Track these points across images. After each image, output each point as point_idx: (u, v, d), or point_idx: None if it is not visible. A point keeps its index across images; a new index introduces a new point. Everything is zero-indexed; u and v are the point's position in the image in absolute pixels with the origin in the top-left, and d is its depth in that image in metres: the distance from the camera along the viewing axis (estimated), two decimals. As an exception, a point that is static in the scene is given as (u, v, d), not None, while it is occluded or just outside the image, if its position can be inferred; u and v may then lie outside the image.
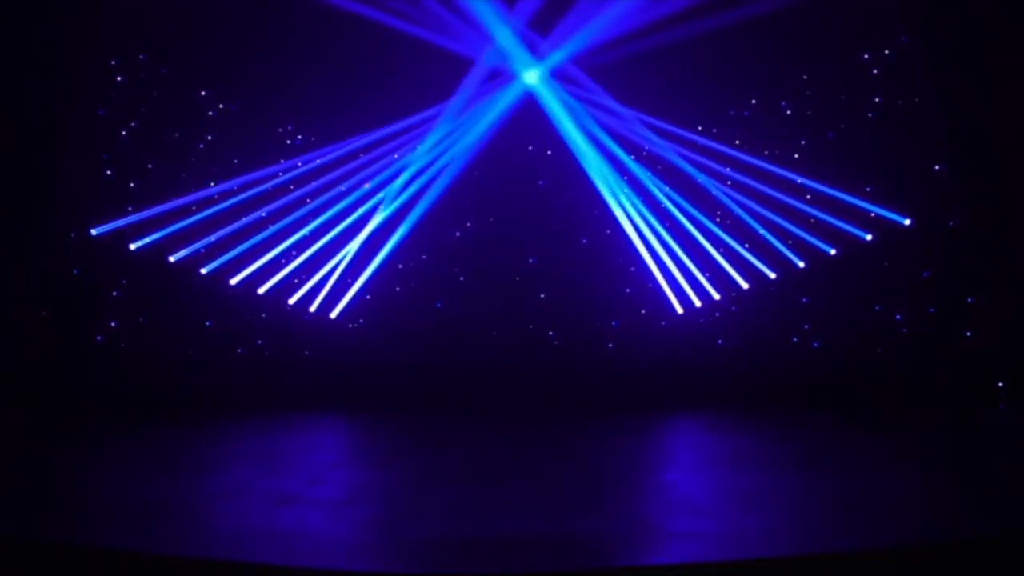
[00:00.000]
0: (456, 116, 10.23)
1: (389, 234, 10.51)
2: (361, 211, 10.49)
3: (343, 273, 10.54)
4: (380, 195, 10.40)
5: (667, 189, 10.55)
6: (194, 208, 10.37)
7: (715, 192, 10.46)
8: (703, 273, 10.51)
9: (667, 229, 10.53)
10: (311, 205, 10.62)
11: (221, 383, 10.31)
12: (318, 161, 10.69)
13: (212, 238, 10.40)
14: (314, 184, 10.66)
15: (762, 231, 10.35)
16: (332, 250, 10.56)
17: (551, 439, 8.21)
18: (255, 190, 10.50)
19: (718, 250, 10.52)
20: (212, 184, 10.48)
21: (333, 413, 10.04)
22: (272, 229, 10.51)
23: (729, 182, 10.55)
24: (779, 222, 10.40)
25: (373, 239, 10.51)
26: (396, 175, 10.43)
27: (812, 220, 10.35)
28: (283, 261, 10.58)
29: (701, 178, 10.45)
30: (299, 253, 10.61)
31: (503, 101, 10.22)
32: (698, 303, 10.55)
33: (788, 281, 10.43)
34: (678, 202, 10.57)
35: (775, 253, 10.43)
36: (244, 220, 10.49)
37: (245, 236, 10.50)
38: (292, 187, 10.74)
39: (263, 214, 10.59)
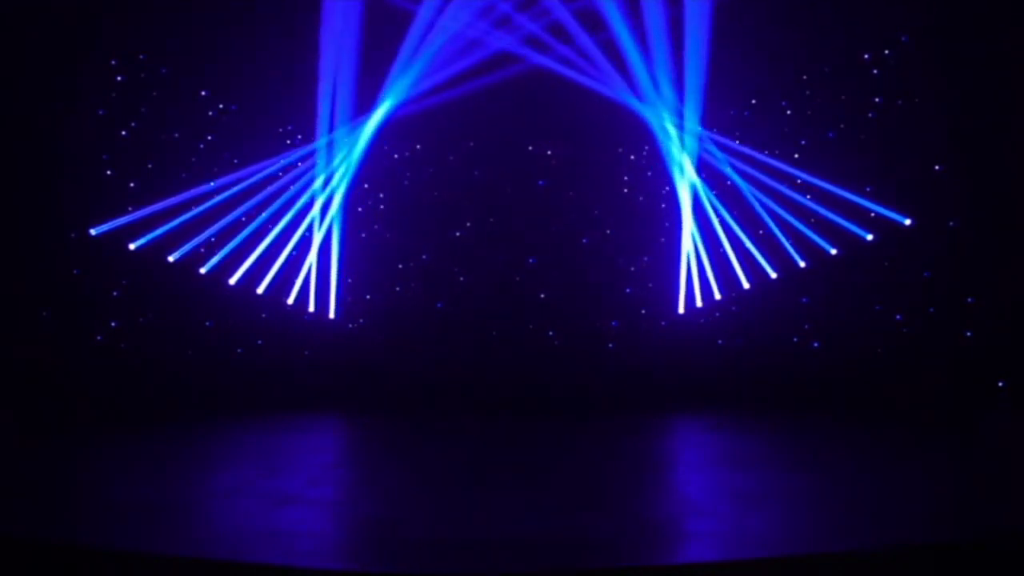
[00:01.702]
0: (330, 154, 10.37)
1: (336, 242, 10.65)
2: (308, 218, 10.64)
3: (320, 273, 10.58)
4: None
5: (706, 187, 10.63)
6: (193, 207, 10.37)
7: (745, 192, 10.45)
8: (713, 269, 10.52)
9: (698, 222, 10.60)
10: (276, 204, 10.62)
11: (221, 383, 10.30)
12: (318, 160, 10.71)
13: (211, 236, 10.39)
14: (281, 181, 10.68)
15: (774, 227, 10.34)
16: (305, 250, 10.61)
17: (551, 439, 8.21)
18: (241, 186, 10.50)
19: (732, 245, 10.50)
20: (212, 184, 10.48)
21: (333, 413, 10.04)
22: (254, 224, 10.49)
23: (729, 181, 10.55)
24: (782, 220, 10.38)
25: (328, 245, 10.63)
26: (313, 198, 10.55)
27: (812, 219, 10.34)
28: (276, 259, 10.60)
29: (730, 172, 10.46)
30: (296, 254, 10.61)
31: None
32: (699, 303, 10.55)
33: (789, 281, 10.42)
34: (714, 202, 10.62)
35: (777, 251, 10.42)
36: (238, 218, 10.48)
37: (246, 237, 10.51)
38: (292, 187, 10.75)
39: (264, 215, 10.59)
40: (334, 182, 10.51)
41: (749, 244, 10.47)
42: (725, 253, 10.53)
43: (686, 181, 10.47)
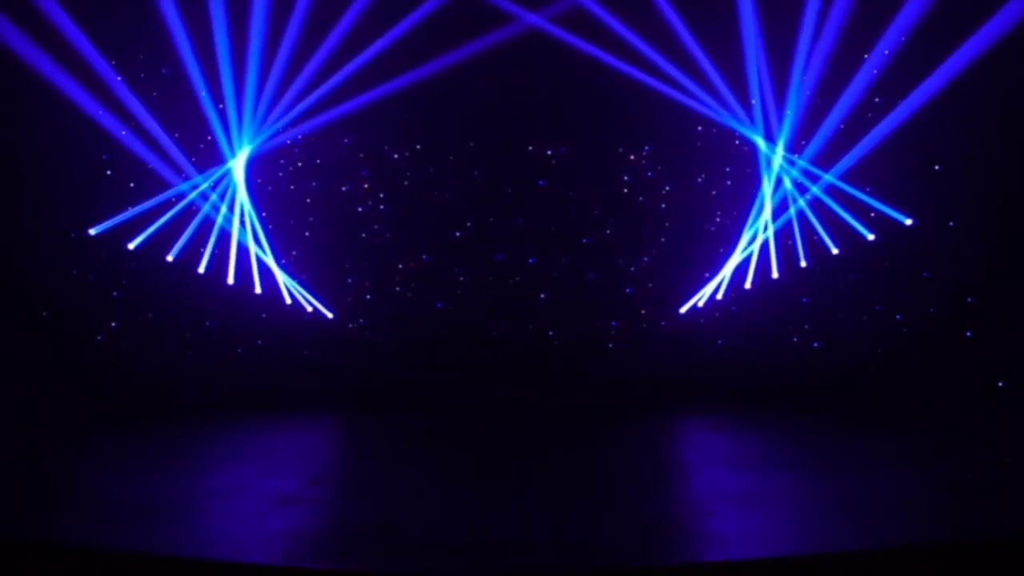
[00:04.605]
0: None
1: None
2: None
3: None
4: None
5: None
6: (193, 208, 10.37)
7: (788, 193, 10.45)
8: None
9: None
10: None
11: (221, 383, 10.30)
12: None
13: (205, 235, 10.41)
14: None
15: (796, 226, 10.33)
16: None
17: (551, 439, 8.21)
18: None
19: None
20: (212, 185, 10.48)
21: (333, 413, 10.04)
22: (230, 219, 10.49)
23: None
24: (802, 218, 10.39)
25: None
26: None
27: (814, 217, 10.33)
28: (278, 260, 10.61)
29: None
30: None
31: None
32: (701, 303, 10.57)
33: (789, 281, 10.42)
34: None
35: (785, 250, 10.41)
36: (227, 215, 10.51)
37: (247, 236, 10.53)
38: (292, 187, 10.75)
39: (263, 214, 10.60)
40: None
41: (771, 242, 10.45)
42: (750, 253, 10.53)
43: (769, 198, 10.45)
